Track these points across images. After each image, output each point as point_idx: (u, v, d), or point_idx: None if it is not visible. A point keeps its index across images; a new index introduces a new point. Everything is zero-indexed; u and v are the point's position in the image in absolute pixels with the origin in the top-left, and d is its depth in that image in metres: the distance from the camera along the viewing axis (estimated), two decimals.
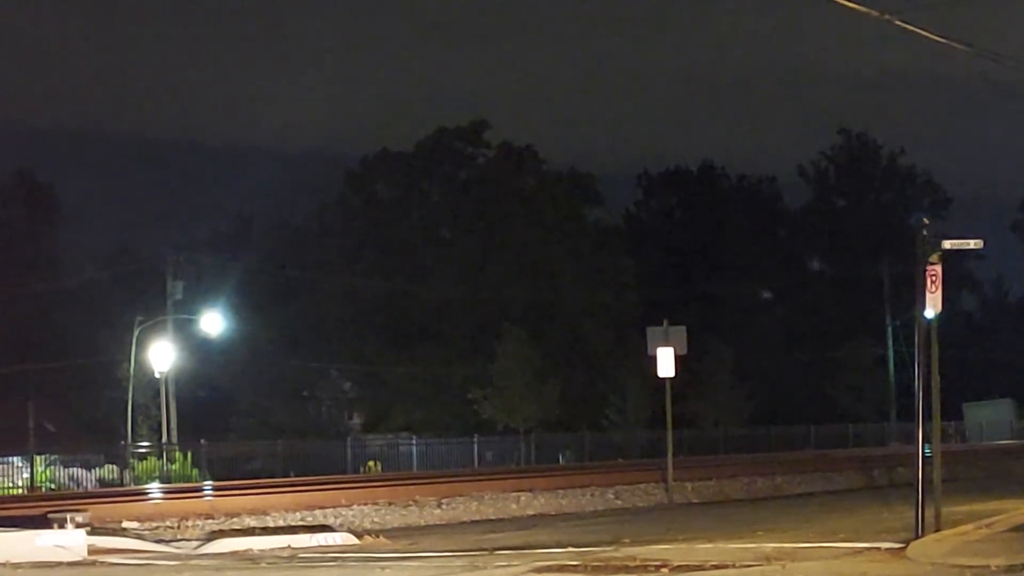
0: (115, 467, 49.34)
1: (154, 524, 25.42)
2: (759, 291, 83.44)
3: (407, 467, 55.77)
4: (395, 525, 27.47)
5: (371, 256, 73.36)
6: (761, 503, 32.29)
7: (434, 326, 72.43)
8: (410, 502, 29.87)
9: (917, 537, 17.31)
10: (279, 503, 28.41)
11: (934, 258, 17.99)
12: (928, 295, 18.00)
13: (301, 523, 25.94)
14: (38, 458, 47.20)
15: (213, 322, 58.04)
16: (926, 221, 18.51)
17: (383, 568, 17.06)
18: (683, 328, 34.01)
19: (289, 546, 21.26)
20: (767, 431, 65.78)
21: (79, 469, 48.49)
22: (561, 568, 16.12)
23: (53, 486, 45.21)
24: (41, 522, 20.35)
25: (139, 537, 22.74)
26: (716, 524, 24.11)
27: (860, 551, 17.04)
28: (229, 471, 46.63)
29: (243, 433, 66.73)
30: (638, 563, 16.23)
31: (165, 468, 48.89)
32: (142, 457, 50.59)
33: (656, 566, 15.77)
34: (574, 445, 63.06)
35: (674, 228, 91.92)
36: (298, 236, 75.90)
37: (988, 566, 14.57)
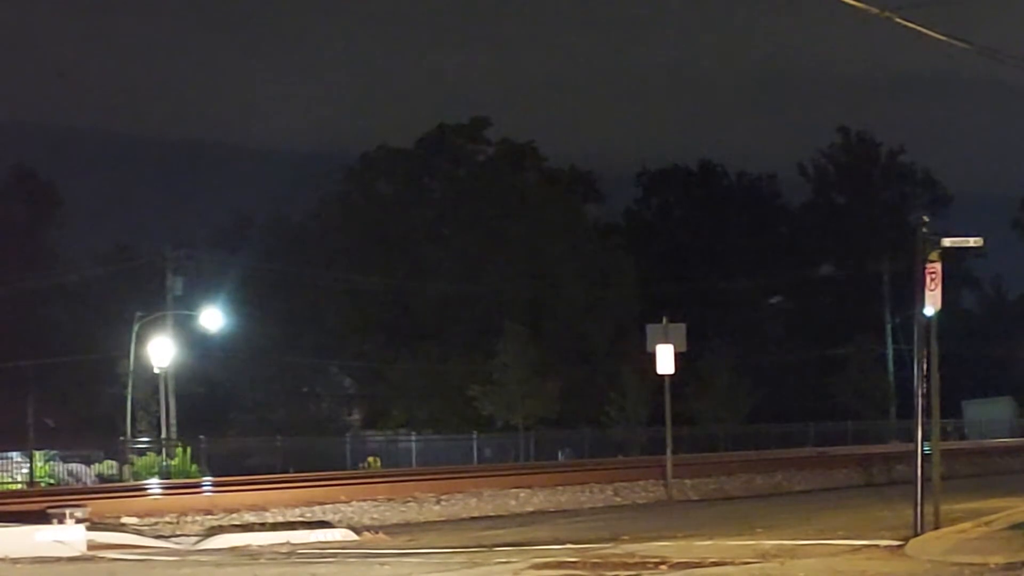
0: (114, 463, 49.42)
1: (153, 520, 25.39)
2: (766, 296, 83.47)
3: (406, 463, 55.84)
4: (394, 521, 27.45)
5: (371, 252, 73.34)
6: (760, 500, 32.26)
7: (434, 323, 72.45)
8: (409, 498, 29.84)
9: (916, 535, 17.32)
10: (278, 499, 28.38)
11: (934, 256, 17.99)
12: (928, 293, 18.00)
13: (300, 519, 25.88)
14: (37, 453, 47.25)
15: (213, 318, 58.01)
16: (926, 219, 18.50)
17: (382, 564, 17.04)
18: (683, 325, 33.99)
19: (288, 542, 21.24)
20: (767, 428, 65.82)
21: (78, 465, 48.55)
22: (560, 565, 16.11)
23: (52, 481, 45.24)
24: (40, 517, 20.33)
25: (138, 533, 22.72)
26: (715, 521, 24.10)
27: (859, 548, 17.04)
28: (228, 467, 46.66)
29: (242, 429, 66.81)
30: (637, 560, 16.22)
31: (164, 464, 48.91)
32: (141, 453, 50.65)
33: (655, 563, 15.76)
34: (573, 442, 63.12)
35: (674, 225, 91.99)
36: (298, 232, 75.89)
37: (987, 564, 14.57)
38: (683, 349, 33.74)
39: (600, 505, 31.79)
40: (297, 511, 27.24)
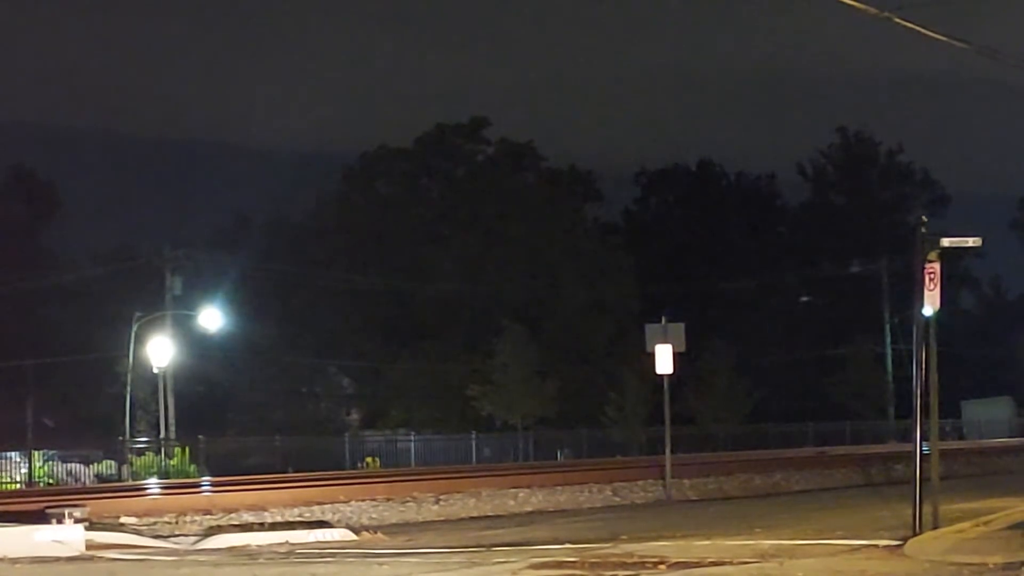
0: (113, 462, 49.41)
1: (152, 520, 25.39)
2: (765, 296, 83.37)
3: (405, 463, 55.84)
4: (393, 521, 27.43)
5: (370, 252, 73.36)
6: (759, 500, 32.25)
7: (433, 323, 72.44)
8: (408, 498, 29.84)
9: (915, 534, 17.31)
10: (277, 499, 28.38)
11: (933, 256, 17.98)
12: (927, 293, 17.99)
13: (299, 519, 25.87)
14: (36, 453, 47.25)
15: (212, 318, 58.02)
16: (925, 219, 18.50)
17: (381, 564, 17.02)
18: (682, 325, 33.92)
19: (287, 542, 21.24)
20: (766, 428, 65.83)
21: (77, 464, 48.53)
22: (559, 564, 16.10)
23: (51, 481, 45.26)
24: (39, 517, 20.32)
25: (137, 532, 22.71)
26: (714, 521, 24.08)
27: (858, 548, 17.03)
28: (227, 467, 46.68)
29: (241, 429, 66.83)
30: (636, 560, 16.21)
31: (163, 464, 48.93)
32: (140, 453, 50.67)
33: (654, 563, 15.74)
34: (572, 442, 63.11)
35: (673, 225, 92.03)
36: (297, 232, 75.90)
37: (986, 564, 14.56)
38: (682, 349, 33.70)
39: (599, 505, 31.77)
40: (296, 511, 27.24)
